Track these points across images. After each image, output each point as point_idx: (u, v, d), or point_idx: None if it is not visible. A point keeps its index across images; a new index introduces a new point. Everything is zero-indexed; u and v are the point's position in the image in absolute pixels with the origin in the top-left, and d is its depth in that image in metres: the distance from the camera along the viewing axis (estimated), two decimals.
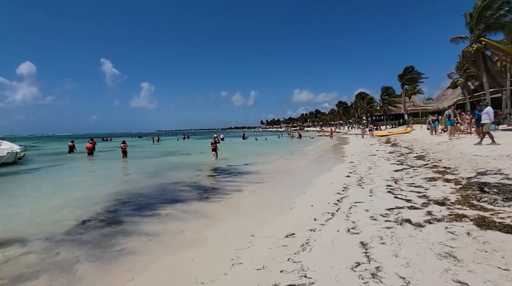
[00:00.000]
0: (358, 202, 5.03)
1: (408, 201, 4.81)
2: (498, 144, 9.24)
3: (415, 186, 5.79)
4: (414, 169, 7.77)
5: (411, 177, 6.80)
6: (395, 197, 5.13)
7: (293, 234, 3.76)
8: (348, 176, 7.82)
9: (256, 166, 12.15)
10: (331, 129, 54.20)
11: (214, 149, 15.07)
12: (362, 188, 6.20)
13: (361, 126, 47.28)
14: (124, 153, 17.89)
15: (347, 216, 4.30)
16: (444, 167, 7.23)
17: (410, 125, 37.29)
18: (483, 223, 3.40)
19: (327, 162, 12.18)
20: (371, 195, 5.46)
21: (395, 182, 6.41)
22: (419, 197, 4.99)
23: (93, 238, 4.32)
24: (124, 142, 18.68)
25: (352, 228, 3.72)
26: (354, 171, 8.69)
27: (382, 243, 3.14)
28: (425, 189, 5.46)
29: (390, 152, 12.84)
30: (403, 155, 11.40)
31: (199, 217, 5.27)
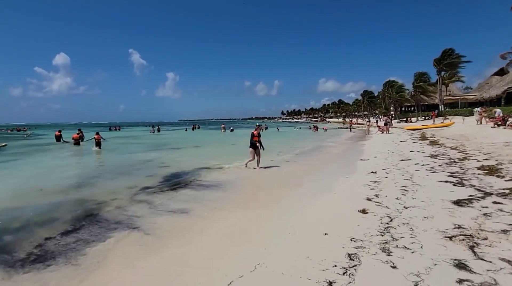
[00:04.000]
0: None
1: None
2: None
3: None
4: (496, 203, 3.98)
5: (503, 231, 3.07)
6: None
7: None
8: (363, 211, 4.18)
9: (225, 173, 8.47)
10: (351, 120, 49.25)
11: (254, 146, 8.65)
12: (393, 266, 2.58)
13: (366, 119, 41.60)
14: (98, 144, 16.77)
15: None
16: None
17: (432, 118, 32.14)
18: None
19: (334, 170, 8.38)
20: None
21: (471, 248, 2.74)
22: None
23: None
24: (97, 133, 17.49)
25: None
26: (376, 195, 5.00)
27: None
28: None
29: (432, 156, 8.84)
30: (454, 162, 7.44)
31: None
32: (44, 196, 6.47)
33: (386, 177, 6.42)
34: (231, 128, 38.40)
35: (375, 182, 6.06)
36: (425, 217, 3.73)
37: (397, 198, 4.67)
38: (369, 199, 4.76)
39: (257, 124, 10.33)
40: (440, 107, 41.17)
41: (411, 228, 3.41)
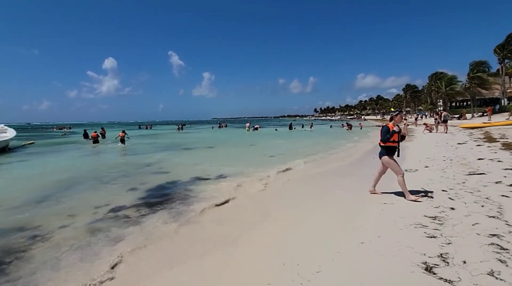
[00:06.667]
0: None
1: None
2: None
3: None
4: None
5: None
6: None
7: None
8: None
9: (210, 191, 6.68)
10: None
11: (392, 152, 4.65)
12: None
13: (404, 116, 36.02)
14: (122, 141, 18.44)
15: None
16: None
17: (488, 115, 27.00)
18: None
19: (362, 186, 5.68)
20: None
21: None
22: None
23: None
24: (123, 131, 19.32)
25: None
26: (442, 257, 2.61)
27: None
28: None
29: None
30: None
31: None
32: None
33: (453, 209, 3.94)
34: (255, 126, 36.67)
35: (435, 218, 3.65)
36: None
37: (491, 273, 2.31)
38: (429, 269, 2.45)
39: (395, 110, 4.79)
40: (503, 101, 35.00)
41: None
